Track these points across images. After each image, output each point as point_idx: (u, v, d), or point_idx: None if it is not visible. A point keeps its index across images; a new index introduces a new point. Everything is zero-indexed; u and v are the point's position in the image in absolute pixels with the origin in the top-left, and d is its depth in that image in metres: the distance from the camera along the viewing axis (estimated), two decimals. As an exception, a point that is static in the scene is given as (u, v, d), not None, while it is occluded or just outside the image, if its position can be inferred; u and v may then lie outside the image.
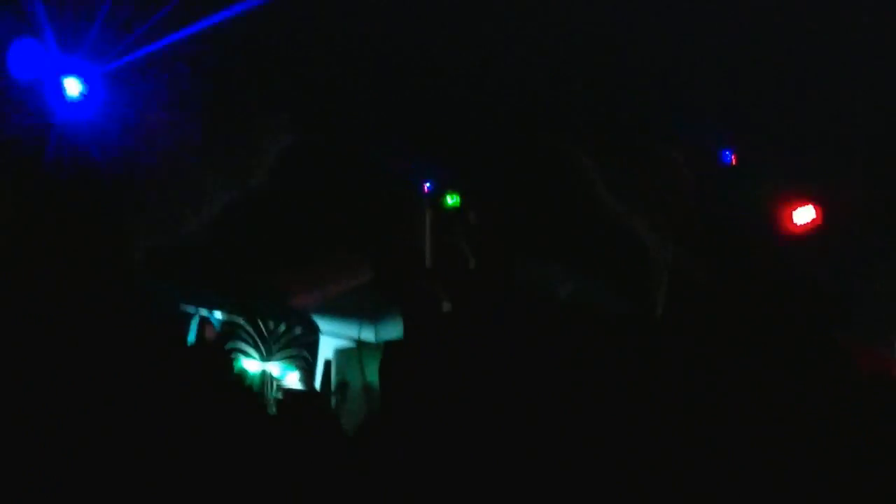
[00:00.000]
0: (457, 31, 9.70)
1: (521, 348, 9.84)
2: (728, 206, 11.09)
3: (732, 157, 10.77)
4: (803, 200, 10.36)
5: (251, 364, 8.69)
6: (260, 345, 8.80)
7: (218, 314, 8.89)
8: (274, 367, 8.73)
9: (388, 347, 11.22)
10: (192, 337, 8.82)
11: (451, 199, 10.48)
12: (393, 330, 10.22)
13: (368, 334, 10.17)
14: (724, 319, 11.26)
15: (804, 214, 10.25)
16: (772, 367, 8.81)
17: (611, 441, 5.83)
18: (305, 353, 9.05)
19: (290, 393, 8.35)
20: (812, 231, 10.43)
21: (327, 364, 8.97)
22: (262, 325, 8.89)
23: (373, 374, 9.74)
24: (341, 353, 10.04)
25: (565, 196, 11.44)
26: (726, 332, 10.23)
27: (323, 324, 9.57)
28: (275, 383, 8.69)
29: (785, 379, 8.31)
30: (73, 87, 7.85)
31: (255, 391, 8.24)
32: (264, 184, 10.06)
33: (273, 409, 8.29)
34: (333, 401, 8.86)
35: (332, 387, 9.12)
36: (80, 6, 7.62)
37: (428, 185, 10.59)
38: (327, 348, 9.66)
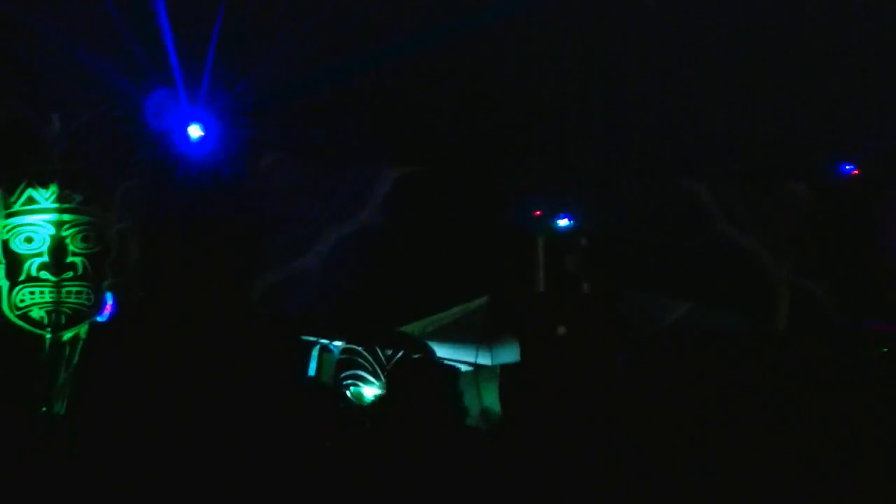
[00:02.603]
0: (568, 68, 9.79)
1: (634, 369, 9.79)
2: (849, 222, 10.83)
3: (854, 170, 10.53)
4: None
5: (370, 390, 8.89)
6: (378, 371, 8.99)
7: (337, 343, 9.13)
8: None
9: (505, 371, 11.34)
10: (313, 365, 9.08)
11: (563, 224, 10.53)
12: (509, 354, 10.28)
13: (485, 359, 10.25)
14: (845, 335, 10.97)
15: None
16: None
17: (733, 456, 5.79)
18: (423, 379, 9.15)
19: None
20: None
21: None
22: (379, 353, 9.08)
23: (489, 398, 9.80)
24: (459, 378, 10.14)
25: (679, 220, 11.38)
26: (847, 347, 9.98)
27: (439, 349, 9.69)
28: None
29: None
30: (195, 132, 8.34)
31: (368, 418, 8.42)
32: (375, 217, 10.32)
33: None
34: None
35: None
36: (200, 58, 8.07)
37: (540, 209, 10.66)
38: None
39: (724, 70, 9.79)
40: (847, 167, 10.44)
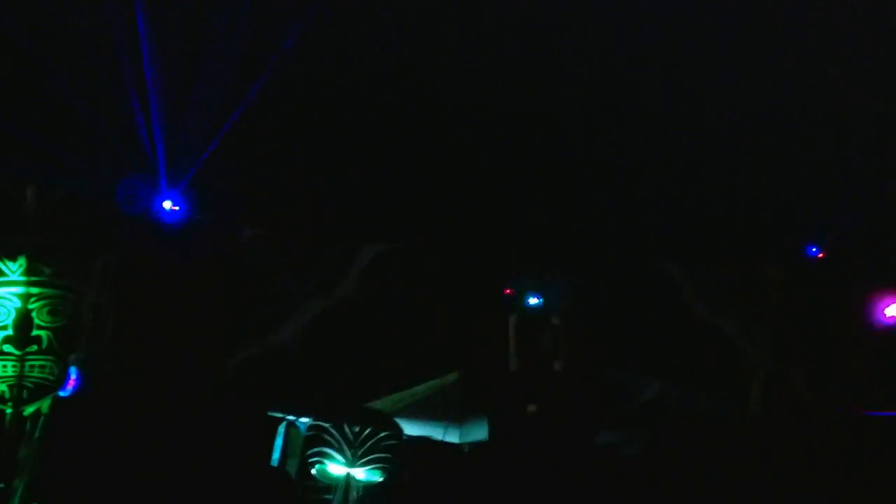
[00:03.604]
0: (536, 145, 9.97)
1: (605, 451, 9.78)
2: (817, 303, 10.93)
3: (819, 253, 10.68)
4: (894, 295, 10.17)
5: (336, 468, 8.81)
6: (345, 449, 8.93)
7: (304, 420, 9.10)
8: (359, 472, 8.83)
9: (472, 449, 11.31)
10: (279, 442, 9.03)
11: (534, 302, 10.61)
12: (478, 432, 10.26)
13: (453, 436, 10.23)
14: (819, 415, 10.99)
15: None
16: (871, 463, 8.56)
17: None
18: (391, 457, 9.13)
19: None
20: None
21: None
22: (347, 430, 9.03)
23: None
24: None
25: (651, 300, 11.48)
26: (823, 428, 9.99)
27: (409, 427, 9.67)
28: (359, 487, 8.79)
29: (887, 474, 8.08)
30: (168, 206, 8.51)
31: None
32: (351, 293, 10.39)
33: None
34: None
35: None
36: (173, 137, 8.27)
37: (510, 288, 10.75)
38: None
39: (699, 151, 9.99)
40: (813, 250, 10.60)
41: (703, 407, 10.90)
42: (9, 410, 7.43)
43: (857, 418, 9.80)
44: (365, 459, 8.66)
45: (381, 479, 8.56)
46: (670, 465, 8.80)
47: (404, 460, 8.64)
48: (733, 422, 10.74)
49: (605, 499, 8.02)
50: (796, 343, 11.12)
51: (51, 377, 7.59)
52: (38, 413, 7.54)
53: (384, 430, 9.04)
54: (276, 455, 8.95)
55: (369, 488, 8.57)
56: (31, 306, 7.56)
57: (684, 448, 9.30)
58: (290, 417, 9.06)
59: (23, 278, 7.60)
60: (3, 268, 7.63)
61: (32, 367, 7.50)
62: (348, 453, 8.84)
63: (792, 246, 10.77)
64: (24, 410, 7.47)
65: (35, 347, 7.53)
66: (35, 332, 7.54)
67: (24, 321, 7.50)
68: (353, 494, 8.56)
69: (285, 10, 8.79)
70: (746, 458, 8.86)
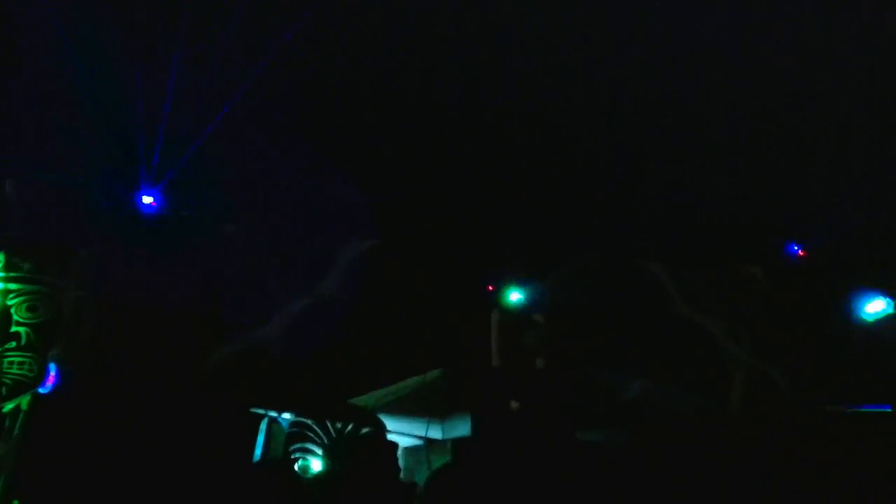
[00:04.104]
0: (519, 143, 9.97)
1: (587, 447, 9.80)
2: (799, 301, 10.96)
3: (800, 251, 10.71)
4: (875, 292, 10.20)
5: (318, 463, 8.80)
6: (327, 444, 8.91)
7: (287, 415, 9.08)
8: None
9: (456, 445, 11.29)
10: (261, 438, 9.01)
11: (516, 299, 10.60)
12: (461, 427, 10.26)
13: (436, 432, 10.22)
14: (801, 412, 11.03)
15: (877, 306, 10.08)
16: (853, 458, 8.62)
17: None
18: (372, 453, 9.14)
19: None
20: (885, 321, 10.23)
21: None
22: (329, 426, 9.02)
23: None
24: (409, 452, 10.10)
25: (634, 299, 11.49)
26: (805, 425, 10.04)
27: (392, 423, 9.66)
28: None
29: (867, 470, 8.12)
30: (149, 201, 8.49)
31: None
32: (333, 291, 10.35)
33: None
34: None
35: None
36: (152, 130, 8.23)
37: (493, 284, 10.73)
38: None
39: (683, 150, 10.01)
40: (794, 248, 10.62)
41: (685, 405, 10.92)
42: (-13, 407, 7.39)
43: (839, 415, 9.86)
44: (347, 454, 8.67)
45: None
46: (653, 463, 8.83)
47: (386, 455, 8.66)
48: (716, 419, 10.78)
49: (589, 495, 8.03)
50: (778, 341, 11.15)
51: (30, 374, 7.54)
52: (17, 410, 7.49)
53: (366, 427, 9.04)
54: (258, 451, 8.94)
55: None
56: (9, 302, 7.52)
57: (667, 445, 9.33)
58: (273, 413, 9.05)
59: (1, 274, 7.56)
60: (-19, 264, 7.58)
61: (11, 363, 7.45)
62: (330, 449, 8.84)
63: (774, 244, 10.79)
64: (2, 407, 7.43)
65: (14, 344, 7.48)
66: (14, 329, 7.50)
67: (2, 317, 7.46)
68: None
69: (271, 9, 8.77)
70: (729, 455, 8.90)
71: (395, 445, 8.92)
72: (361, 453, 8.51)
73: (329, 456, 8.77)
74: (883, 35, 8.85)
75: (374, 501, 7.77)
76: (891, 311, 9.98)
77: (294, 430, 8.93)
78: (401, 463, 8.98)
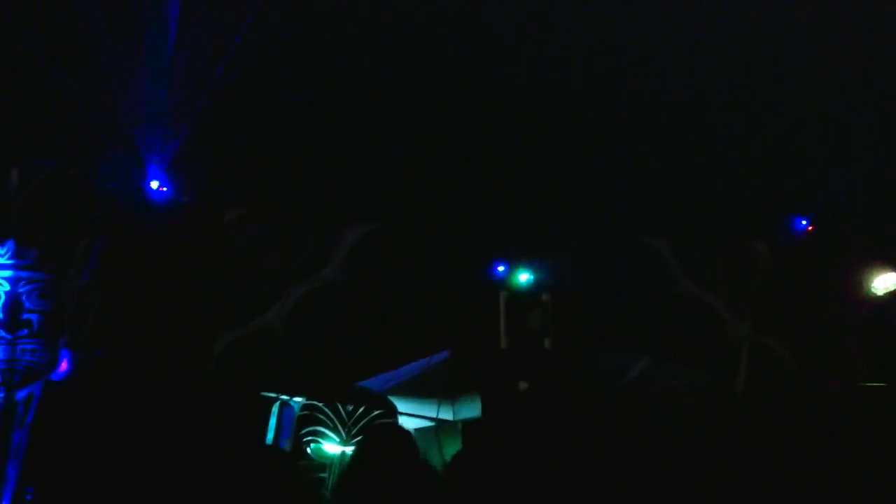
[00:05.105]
0: (534, 122, 9.94)
1: (594, 426, 9.79)
2: (806, 276, 10.96)
3: (808, 226, 10.68)
4: (885, 267, 10.18)
5: (330, 447, 8.80)
6: (339, 427, 8.91)
7: (298, 399, 9.07)
8: (353, 449, 8.81)
9: (466, 426, 11.30)
10: (272, 421, 9.00)
11: (524, 279, 10.57)
12: (471, 409, 10.26)
13: (447, 413, 10.23)
14: (807, 390, 11.06)
15: (887, 281, 10.06)
16: (858, 434, 8.63)
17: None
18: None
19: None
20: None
21: None
22: (340, 409, 9.01)
23: (451, 452, 9.73)
24: (419, 434, 10.10)
25: (639, 277, 11.47)
26: (809, 401, 10.06)
27: (401, 404, 9.65)
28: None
29: (870, 446, 8.13)
30: (154, 185, 8.47)
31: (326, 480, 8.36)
32: (338, 274, 10.31)
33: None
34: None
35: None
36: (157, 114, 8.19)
37: (501, 266, 10.69)
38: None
39: (686, 129, 9.98)
40: (802, 223, 10.59)
41: (691, 381, 10.93)
42: (1, 395, 7.37)
43: (844, 391, 9.87)
44: (359, 437, 8.66)
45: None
46: (660, 440, 8.83)
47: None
48: (721, 396, 10.79)
49: (598, 473, 8.04)
50: (783, 316, 11.16)
51: (42, 361, 7.53)
52: (30, 397, 7.49)
53: (377, 409, 9.05)
54: (269, 434, 8.93)
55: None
56: (20, 290, 7.50)
57: (673, 422, 9.33)
58: (284, 397, 9.05)
59: (11, 262, 7.53)
60: (-8, 252, 7.55)
61: (24, 351, 7.44)
62: (342, 432, 8.85)
63: (781, 219, 10.77)
64: (15, 394, 7.42)
65: (26, 331, 7.48)
66: (25, 316, 7.48)
67: (13, 305, 7.44)
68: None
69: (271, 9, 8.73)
70: (733, 431, 8.90)
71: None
72: (378, 436, 8.51)
73: (341, 438, 8.78)
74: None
75: (399, 484, 7.78)
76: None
77: (305, 413, 8.93)
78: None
